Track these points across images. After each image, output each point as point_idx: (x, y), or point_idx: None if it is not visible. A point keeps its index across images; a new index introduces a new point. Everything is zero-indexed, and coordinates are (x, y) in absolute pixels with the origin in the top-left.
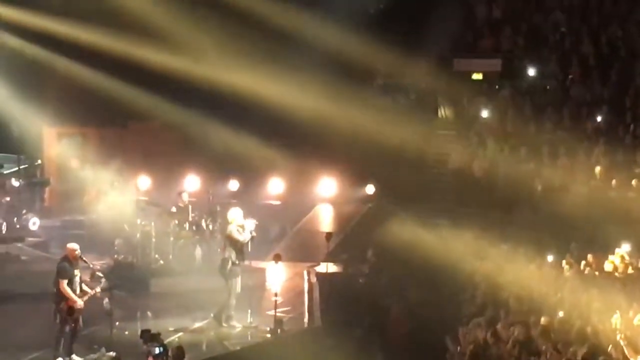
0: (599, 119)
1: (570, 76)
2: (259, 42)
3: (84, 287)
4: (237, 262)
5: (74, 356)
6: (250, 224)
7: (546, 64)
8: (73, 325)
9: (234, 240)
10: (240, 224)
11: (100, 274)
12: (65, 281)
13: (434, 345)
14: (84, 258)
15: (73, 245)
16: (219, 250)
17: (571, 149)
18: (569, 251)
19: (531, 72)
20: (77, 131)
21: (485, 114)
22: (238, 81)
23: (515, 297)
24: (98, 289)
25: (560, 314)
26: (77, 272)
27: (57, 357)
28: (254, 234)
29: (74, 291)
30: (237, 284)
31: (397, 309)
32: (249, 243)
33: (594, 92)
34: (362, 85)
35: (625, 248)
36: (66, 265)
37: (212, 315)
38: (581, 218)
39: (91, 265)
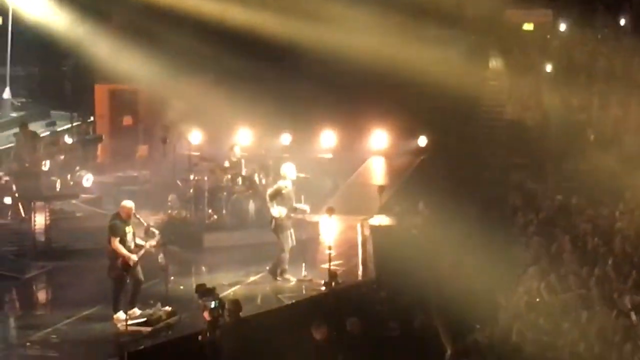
0: None
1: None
2: None
3: (138, 242)
4: (289, 216)
5: (135, 309)
6: (301, 179)
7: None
8: (132, 280)
9: (284, 194)
10: (291, 179)
11: (154, 230)
12: (118, 239)
13: (488, 299)
14: (137, 214)
15: (126, 203)
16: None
17: (623, 99)
18: (622, 201)
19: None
20: (129, 87)
21: (536, 64)
22: (291, 31)
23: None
24: (153, 242)
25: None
26: (129, 228)
27: (118, 311)
28: (306, 188)
29: (127, 248)
30: (289, 237)
31: (449, 260)
32: (302, 197)
33: None
34: (414, 37)
35: None
36: (118, 222)
37: (266, 269)
38: (633, 168)
39: (144, 222)
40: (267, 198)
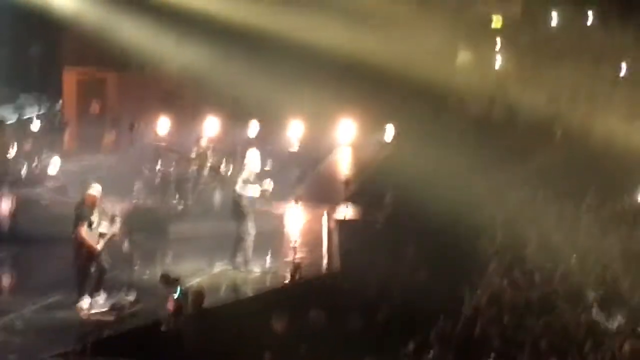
0: (623, 65)
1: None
2: None
3: (102, 230)
4: (254, 206)
5: (98, 297)
6: (268, 169)
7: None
8: (97, 268)
9: (250, 184)
10: (257, 169)
11: (119, 218)
12: (84, 227)
13: (450, 291)
14: (103, 202)
15: (92, 191)
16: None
17: (591, 94)
18: (589, 195)
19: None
20: (97, 75)
21: (505, 59)
22: (258, 21)
23: (535, 243)
24: (115, 231)
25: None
26: (95, 216)
27: (82, 299)
28: (272, 179)
29: (92, 236)
30: (254, 228)
31: (413, 254)
32: (268, 187)
33: (614, 38)
34: (383, 29)
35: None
36: (84, 210)
37: (229, 260)
38: (601, 163)
39: (110, 210)
40: (239, 182)
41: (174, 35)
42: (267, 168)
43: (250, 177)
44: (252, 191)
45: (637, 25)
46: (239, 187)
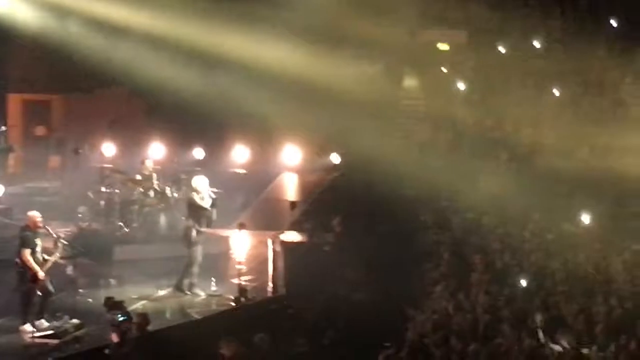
0: (564, 91)
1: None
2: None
3: (46, 256)
4: (200, 229)
5: (43, 321)
6: (213, 192)
7: (511, 36)
8: (41, 292)
9: (196, 207)
10: (203, 192)
11: (64, 242)
12: (28, 250)
13: (397, 314)
14: (47, 226)
15: (35, 214)
16: (182, 218)
17: (536, 119)
18: (531, 221)
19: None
20: (42, 98)
21: (451, 84)
22: (206, 44)
23: (481, 266)
24: (57, 255)
25: (524, 283)
26: (39, 240)
27: (25, 323)
28: (216, 201)
29: (36, 260)
30: (199, 251)
31: (359, 277)
32: (214, 211)
33: (558, 64)
34: (329, 55)
35: (585, 219)
36: (28, 234)
37: (175, 283)
38: (546, 186)
39: (54, 234)
40: (188, 208)
41: (120, 59)
42: (212, 194)
43: (200, 203)
44: (206, 203)
45: (580, 51)
46: (188, 214)
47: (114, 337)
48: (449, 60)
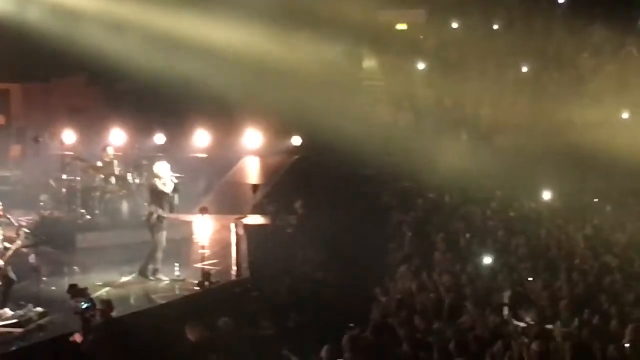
0: (524, 69)
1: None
2: None
3: (6, 244)
4: (162, 215)
5: (6, 310)
6: (174, 177)
7: (470, 15)
8: (3, 280)
9: (158, 193)
10: (165, 178)
11: (26, 230)
12: None
13: (362, 295)
14: (8, 215)
15: None
16: (145, 204)
17: (496, 97)
18: (493, 199)
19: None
20: (1, 87)
21: (411, 64)
22: (164, 27)
23: (444, 245)
24: (19, 243)
25: (488, 260)
26: None
27: None
28: (178, 186)
29: None
30: (163, 237)
31: (323, 259)
32: (175, 196)
33: (517, 42)
34: (288, 37)
35: (546, 195)
36: None
37: (139, 269)
38: (507, 165)
39: (15, 222)
40: (151, 195)
41: (79, 46)
42: (174, 179)
43: (162, 189)
44: (168, 188)
45: (538, 29)
46: (150, 199)
47: (77, 337)
48: (408, 40)
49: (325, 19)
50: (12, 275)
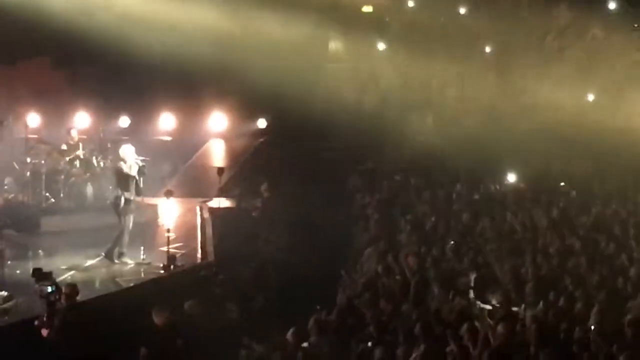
0: (487, 49)
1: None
2: None
3: None
4: (129, 198)
5: None
6: (140, 160)
7: None
8: None
9: (124, 176)
10: (130, 161)
11: None
12: None
13: (327, 277)
14: None
15: None
16: (110, 187)
17: (461, 80)
18: (459, 181)
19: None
20: None
21: (377, 46)
22: (124, 10)
23: (408, 229)
24: None
25: (452, 243)
26: None
27: None
28: (144, 169)
29: None
30: (130, 220)
31: (288, 241)
32: (141, 179)
33: (483, 24)
34: (252, 18)
35: (511, 178)
36: None
37: (103, 253)
38: (472, 147)
39: None
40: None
41: (43, 29)
42: (139, 162)
43: (128, 172)
44: (134, 171)
45: (503, 11)
46: (116, 183)
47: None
48: (374, 22)
49: (290, 1)
50: None
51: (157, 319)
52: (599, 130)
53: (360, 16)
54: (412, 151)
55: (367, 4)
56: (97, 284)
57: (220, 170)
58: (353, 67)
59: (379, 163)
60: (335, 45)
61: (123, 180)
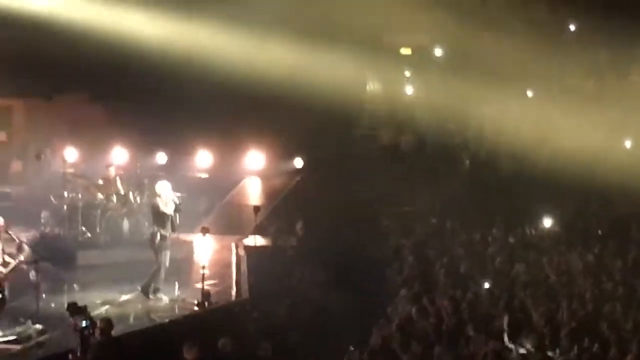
0: (528, 93)
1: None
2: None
3: (7, 259)
4: (165, 234)
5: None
6: (176, 196)
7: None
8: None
9: (160, 212)
10: (166, 197)
11: (26, 246)
12: None
13: (361, 317)
14: (9, 231)
15: None
16: (146, 223)
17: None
18: (495, 224)
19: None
20: (3, 103)
21: (414, 88)
22: (165, 44)
23: (444, 272)
24: (21, 257)
25: (487, 286)
26: None
27: None
28: (180, 206)
29: None
30: (166, 257)
31: (323, 281)
32: (177, 216)
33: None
34: (292, 59)
35: (547, 222)
36: None
37: (139, 288)
38: (508, 190)
39: (17, 238)
40: (154, 215)
41: (82, 64)
42: (176, 199)
43: (164, 209)
44: (170, 209)
45: (542, 53)
46: (153, 219)
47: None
48: (412, 63)
49: (329, 41)
50: (5, 294)
51: (188, 356)
52: (637, 174)
53: (398, 58)
54: (448, 193)
55: (406, 46)
56: (131, 319)
57: (257, 209)
58: (390, 108)
59: (414, 205)
60: (373, 86)
61: (159, 216)
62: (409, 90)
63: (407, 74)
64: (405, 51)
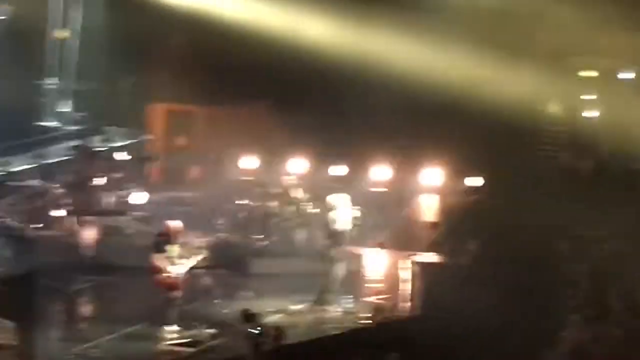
0: None
1: None
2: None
3: (183, 262)
4: (340, 247)
5: (172, 327)
6: (353, 212)
7: None
8: (172, 298)
9: (335, 226)
10: (343, 210)
11: (202, 252)
12: (159, 256)
13: (534, 342)
14: (186, 235)
15: (173, 223)
16: (321, 234)
17: None
18: None
19: None
20: (184, 108)
21: (597, 112)
22: (347, 60)
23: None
24: (197, 262)
25: None
26: (175, 248)
27: (165, 328)
28: (356, 219)
29: (165, 264)
30: (340, 269)
31: (497, 301)
32: (353, 229)
33: None
34: (479, 70)
35: None
36: (160, 240)
37: (311, 298)
38: None
39: (192, 243)
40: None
41: (263, 73)
42: (353, 212)
43: (339, 222)
44: (344, 224)
45: None
46: (328, 232)
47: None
48: (597, 86)
49: (511, 57)
50: (180, 296)
51: None
52: None
53: (582, 80)
54: (628, 219)
55: (590, 68)
56: (302, 329)
57: (434, 225)
58: (572, 130)
59: (592, 230)
60: (555, 107)
61: (334, 229)
62: (593, 113)
63: (591, 96)
64: (589, 74)
